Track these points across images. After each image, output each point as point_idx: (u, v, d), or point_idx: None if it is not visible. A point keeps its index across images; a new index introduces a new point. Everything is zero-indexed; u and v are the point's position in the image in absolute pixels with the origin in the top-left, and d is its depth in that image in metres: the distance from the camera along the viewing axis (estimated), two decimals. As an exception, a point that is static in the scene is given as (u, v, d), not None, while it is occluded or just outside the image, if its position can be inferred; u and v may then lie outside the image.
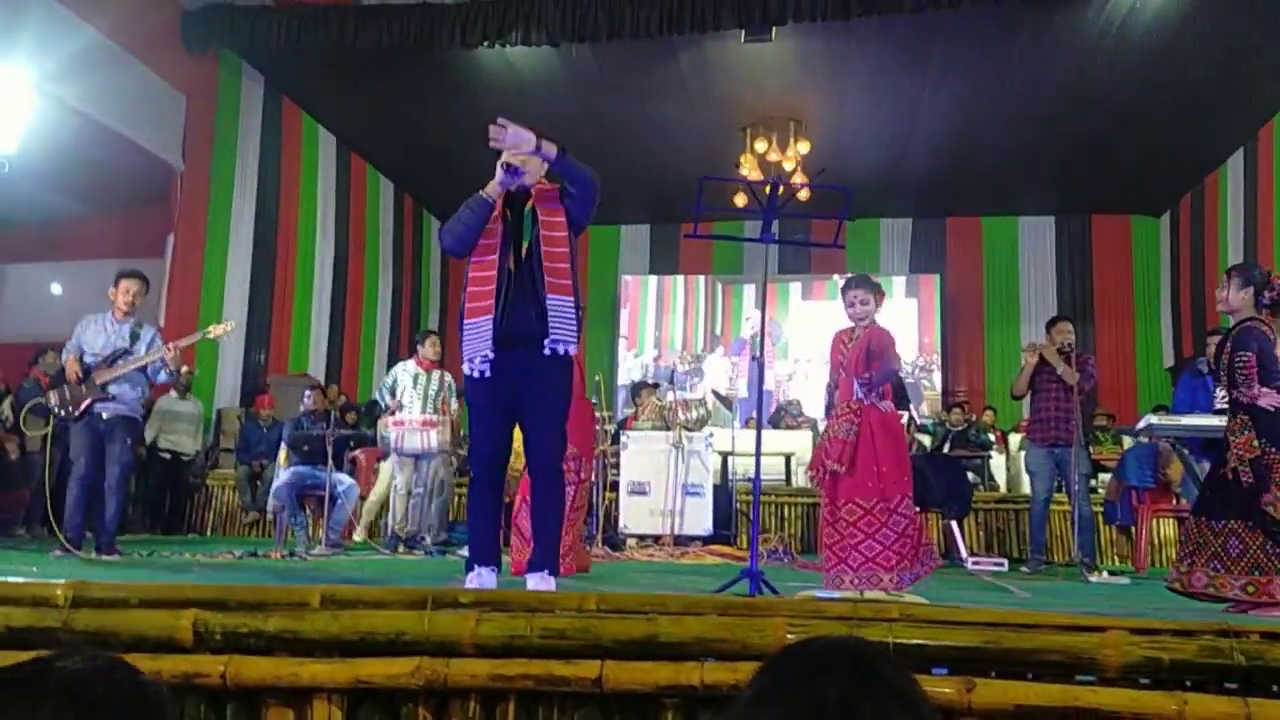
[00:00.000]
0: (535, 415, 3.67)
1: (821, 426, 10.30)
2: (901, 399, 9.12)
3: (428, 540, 7.53)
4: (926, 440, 10.36)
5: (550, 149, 3.60)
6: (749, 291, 14.98)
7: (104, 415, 5.91)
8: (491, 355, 3.61)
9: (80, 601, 2.12)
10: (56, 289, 11.89)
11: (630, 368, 14.86)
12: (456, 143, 11.01)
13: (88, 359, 5.95)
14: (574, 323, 3.66)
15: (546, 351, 3.60)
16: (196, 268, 10.18)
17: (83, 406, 5.88)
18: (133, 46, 9.13)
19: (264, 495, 8.77)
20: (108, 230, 11.28)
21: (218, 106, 10.52)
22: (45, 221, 11.20)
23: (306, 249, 11.98)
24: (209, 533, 9.62)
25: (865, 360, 4.58)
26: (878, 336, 4.64)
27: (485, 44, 9.55)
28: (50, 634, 2.08)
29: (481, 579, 3.61)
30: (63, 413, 5.90)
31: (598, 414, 9.04)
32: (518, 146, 3.58)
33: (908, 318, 14.19)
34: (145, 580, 4.30)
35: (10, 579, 2.42)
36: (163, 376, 6.19)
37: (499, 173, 3.65)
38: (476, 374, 3.65)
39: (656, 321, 15.10)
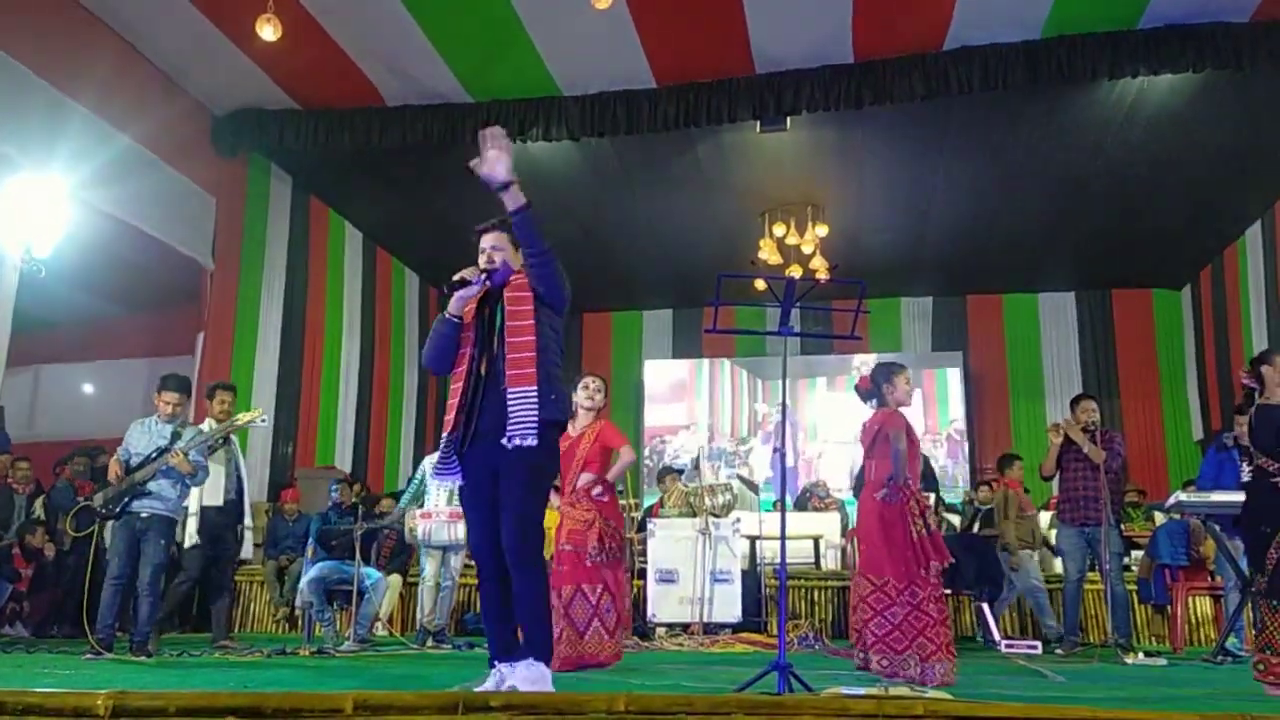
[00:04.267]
0: (504, 510, 3.63)
1: (850, 508, 10.31)
2: (929, 480, 9.12)
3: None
4: (955, 520, 10.27)
5: (519, 198, 3.56)
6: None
7: (142, 514, 6.03)
8: (458, 478, 3.72)
9: (120, 711, 2.15)
10: (89, 388, 12.10)
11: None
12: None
13: (134, 461, 6.11)
14: (534, 412, 3.59)
15: (507, 445, 3.58)
16: (226, 364, 10.33)
17: (121, 504, 6.02)
18: (164, 152, 9.39)
19: (291, 590, 8.79)
20: (140, 329, 11.54)
21: (247, 207, 10.77)
22: (80, 322, 11.46)
23: (333, 344, 12.16)
24: (237, 629, 9.59)
25: (873, 446, 4.73)
26: (889, 420, 4.79)
27: (506, 140, 9.79)
28: (89, 744, 2.11)
29: (501, 677, 3.56)
30: (104, 511, 6.07)
31: (622, 500, 9.05)
32: (490, 173, 3.53)
33: (930, 396, 14.19)
34: (180, 683, 4.33)
35: (48, 688, 2.45)
36: (187, 481, 6.24)
37: (452, 299, 3.71)
38: (452, 485, 3.74)
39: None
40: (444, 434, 3.74)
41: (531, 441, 3.56)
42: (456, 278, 3.70)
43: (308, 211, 11.77)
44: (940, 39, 8.58)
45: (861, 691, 3.14)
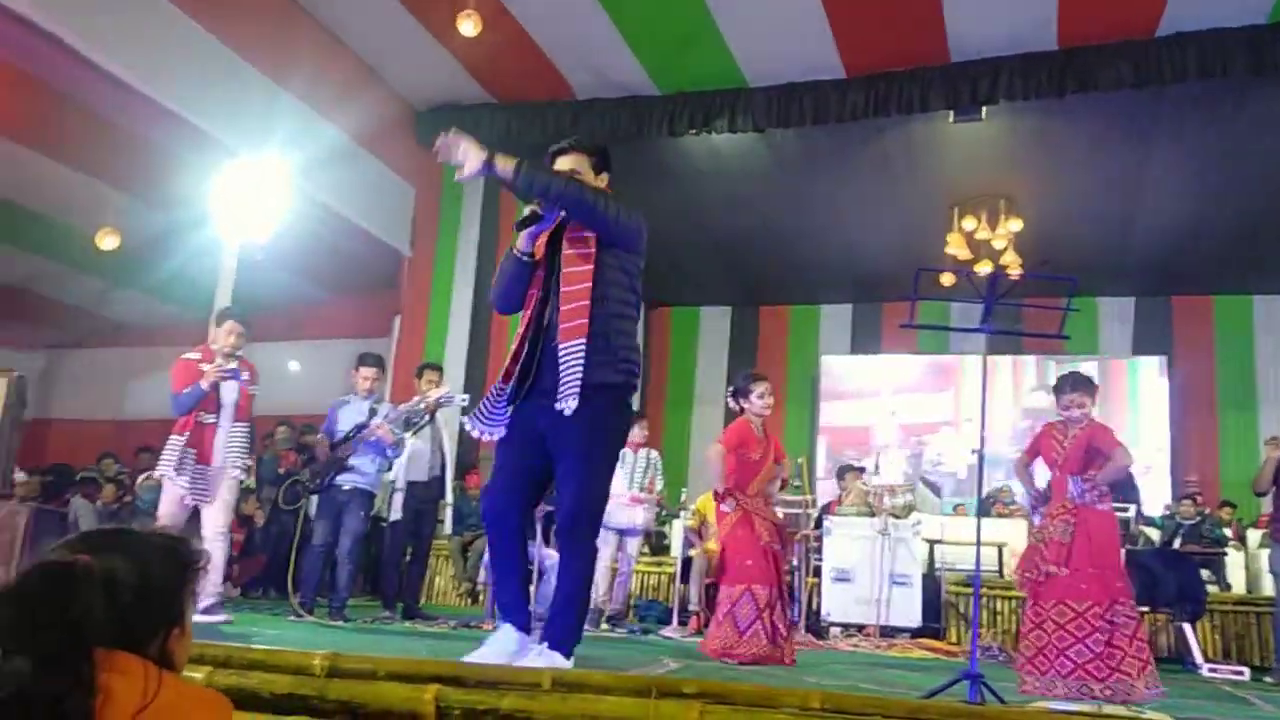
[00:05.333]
0: (560, 482, 3.34)
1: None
2: (1131, 492, 8.66)
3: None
4: (1154, 534, 9.71)
5: (506, 168, 3.27)
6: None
7: (344, 487, 6.41)
8: (502, 429, 3.40)
9: (334, 672, 2.28)
10: (294, 366, 12.85)
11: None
12: (661, 224, 11.32)
13: (337, 437, 6.51)
14: (578, 372, 3.19)
15: (557, 407, 3.20)
16: (419, 347, 10.79)
17: (326, 479, 6.40)
18: (367, 142, 9.88)
19: (474, 567, 9.10)
20: (342, 312, 12.18)
21: (442, 197, 11.22)
22: (288, 304, 12.16)
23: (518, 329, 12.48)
24: (422, 601, 10.00)
25: (1084, 459, 4.46)
26: (1101, 435, 4.52)
27: (692, 132, 9.83)
28: (305, 701, 2.24)
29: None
30: (312, 485, 6.50)
31: (801, 497, 8.97)
32: (462, 165, 3.28)
33: (1128, 402, 13.42)
34: (376, 648, 4.54)
35: (266, 646, 2.61)
36: (388, 453, 6.60)
37: (521, 235, 3.41)
38: (488, 437, 3.40)
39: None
40: (499, 382, 3.43)
41: (572, 404, 3.17)
42: (528, 211, 3.41)
43: (498, 202, 12.11)
44: (1154, 24, 8.11)
45: (1073, 708, 3.00)
